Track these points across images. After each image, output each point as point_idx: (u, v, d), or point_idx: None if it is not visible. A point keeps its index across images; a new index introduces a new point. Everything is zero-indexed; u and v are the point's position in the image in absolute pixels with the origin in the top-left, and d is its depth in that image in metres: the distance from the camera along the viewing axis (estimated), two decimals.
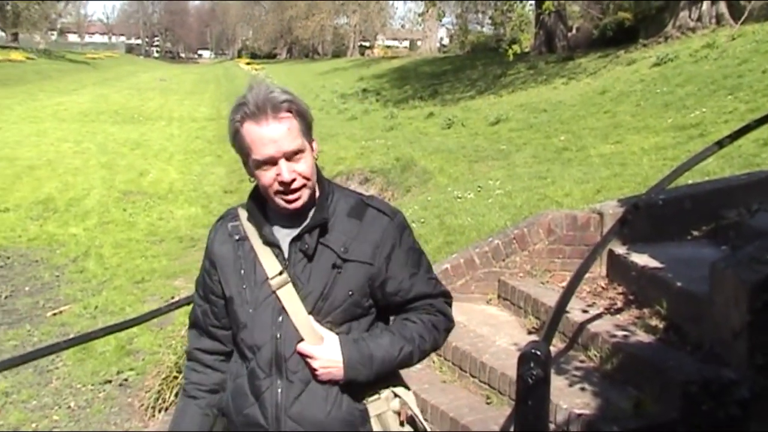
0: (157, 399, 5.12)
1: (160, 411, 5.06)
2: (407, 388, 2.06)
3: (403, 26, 78.94)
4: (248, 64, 59.39)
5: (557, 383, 3.54)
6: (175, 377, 4.98)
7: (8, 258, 8.95)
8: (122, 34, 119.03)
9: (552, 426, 3.35)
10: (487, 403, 3.94)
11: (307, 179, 1.91)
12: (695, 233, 5.04)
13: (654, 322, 4.08)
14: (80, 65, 49.88)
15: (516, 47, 16.54)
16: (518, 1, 19.66)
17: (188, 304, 2.43)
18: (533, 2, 21.17)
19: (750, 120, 5.36)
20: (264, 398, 1.92)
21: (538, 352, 2.34)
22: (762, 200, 4.90)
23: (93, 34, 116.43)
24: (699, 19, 16.28)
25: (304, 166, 1.90)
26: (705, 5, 16.21)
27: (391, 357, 1.94)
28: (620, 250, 4.84)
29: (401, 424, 2.00)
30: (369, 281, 1.96)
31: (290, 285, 1.92)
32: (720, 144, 4.41)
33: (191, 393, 2.11)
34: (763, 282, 3.31)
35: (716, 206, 5.03)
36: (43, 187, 12.65)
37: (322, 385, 1.91)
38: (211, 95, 32.34)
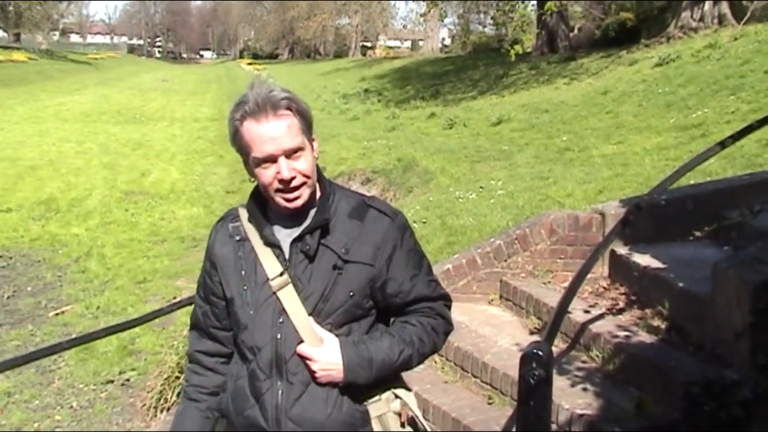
0: (159, 399, 5.12)
1: (162, 411, 5.07)
2: (408, 389, 2.06)
3: (404, 26, 79.07)
4: (250, 64, 59.42)
5: (559, 384, 3.54)
6: (177, 377, 4.98)
7: (10, 258, 8.96)
8: (124, 35, 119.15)
9: (554, 426, 3.35)
10: (489, 404, 3.94)
11: (307, 177, 1.90)
12: (697, 234, 5.04)
13: (656, 322, 4.07)
14: (82, 65, 49.91)
15: (518, 47, 16.55)
16: (520, 2, 19.65)
17: (190, 304, 2.43)
18: (535, 2, 21.15)
19: (752, 120, 5.36)
20: (264, 400, 1.92)
21: (540, 353, 2.33)
22: (764, 200, 4.90)
23: (95, 34, 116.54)
24: (701, 19, 16.27)
25: (304, 164, 1.89)
26: (707, 5, 16.19)
27: (390, 360, 1.94)
28: (622, 250, 4.84)
29: (402, 425, 2.00)
30: (370, 282, 1.95)
31: (291, 286, 1.92)
32: (722, 144, 4.41)
33: (192, 396, 2.11)
34: (766, 282, 3.31)
35: (718, 207, 5.03)
36: (45, 187, 12.66)
37: (323, 387, 1.91)
38: (213, 95, 32.34)
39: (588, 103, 13.14)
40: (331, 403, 1.91)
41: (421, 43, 54.96)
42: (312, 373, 1.90)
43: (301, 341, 1.90)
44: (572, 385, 3.70)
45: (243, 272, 1.97)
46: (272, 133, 1.85)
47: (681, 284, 4.10)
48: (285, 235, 1.96)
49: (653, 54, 15.23)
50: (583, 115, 12.26)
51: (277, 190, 1.89)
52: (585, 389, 3.65)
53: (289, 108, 1.88)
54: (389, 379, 1.99)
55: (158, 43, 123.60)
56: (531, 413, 2.35)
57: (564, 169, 8.15)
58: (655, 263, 4.48)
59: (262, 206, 2.00)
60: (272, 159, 1.87)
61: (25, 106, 24.88)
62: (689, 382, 3.28)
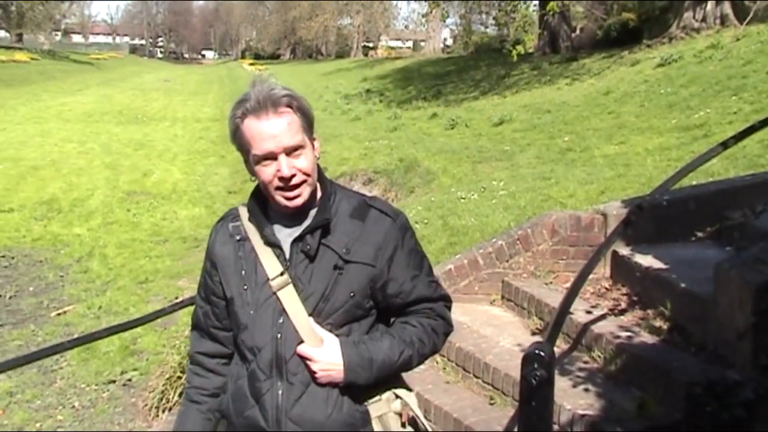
0: (161, 399, 5.13)
1: (163, 411, 5.07)
2: (409, 389, 2.05)
3: (406, 27, 78.93)
4: (252, 64, 59.46)
5: (561, 384, 3.54)
6: (179, 377, 4.98)
7: (13, 258, 8.98)
8: (126, 35, 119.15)
9: (556, 427, 3.35)
10: (491, 404, 3.94)
11: (307, 175, 1.90)
12: (699, 234, 5.03)
13: (658, 323, 4.07)
14: (84, 66, 49.96)
15: (520, 48, 16.55)
16: (522, 2, 19.64)
17: (192, 304, 2.43)
18: (537, 3, 21.15)
19: (755, 121, 5.35)
20: (264, 400, 1.92)
21: (542, 353, 2.33)
22: (767, 201, 4.89)
23: (97, 34, 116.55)
24: (703, 19, 16.25)
25: (304, 162, 1.89)
26: (709, 6, 16.17)
27: (391, 360, 1.93)
28: (624, 251, 4.84)
29: (403, 425, 1.99)
30: (370, 283, 1.95)
31: (291, 286, 1.91)
32: (724, 145, 4.40)
33: (193, 398, 2.11)
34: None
35: (721, 207, 5.02)
36: (47, 187, 12.67)
37: (323, 387, 1.91)
38: (214, 96, 32.37)
39: (590, 103, 13.14)
40: (332, 403, 1.91)
41: (422, 43, 54.93)
42: (312, 373, 1.89)
43: (302, 341, 1.89)
44: (574, 386, 3.69)
45: (243, 272, 1.97)
46: (272, 130, 1.85)
47: (683, 285, 4.09)
48: (285, 235, 1.96)
49: (655, 54, 15.22)
50: (585, 115, 12.25)
51: (277, 188, 1.89)
52: (587, 390, 3.64)
53: (289, 105, 1.88)
54: (390, 379, 1.99)
55: (160, 44, 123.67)
56: (533, 414, 2.35)
57: (566, 170, 8.15)
58: (657, 264, 4.48)
59: (263, 205, 2.00)
60: (272, 156, 1.86)
61: (28, 106, 24.93)
62: (691, 383, 3.28)
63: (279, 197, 1.90)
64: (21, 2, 55.82)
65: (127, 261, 8.92)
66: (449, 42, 55.01)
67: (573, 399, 3.51)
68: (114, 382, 5.73)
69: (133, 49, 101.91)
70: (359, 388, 1.93)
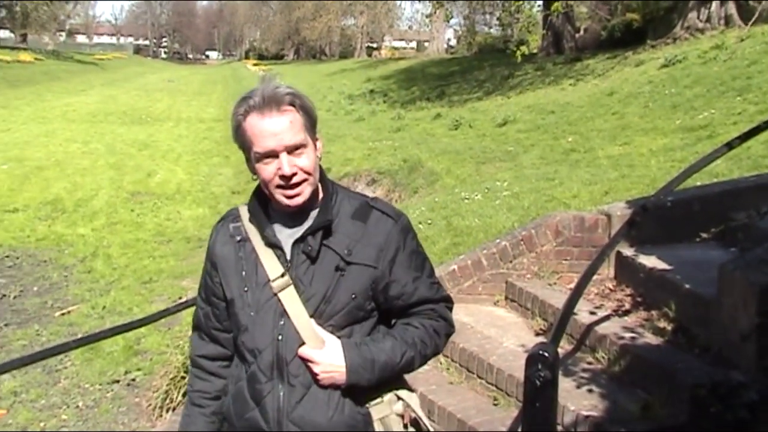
0: (165, 399, 5.13)
1: (167, 411, 5.08)
2: (411, 390, 2.05)
3: (410, 27, 79.04)
4: (256, 65, 59.58)
5: (564, 385, 3.54)
6: (183, 377, 4.99)
7: (17, 258, 8.99)
8: (130, 35, 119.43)
9: (559, 428, 3.34)
10: (494, 405, 3.94)
11: (309, 174, 1.89)
12: (704, 235, 5.02)
13: (662, 324, 4.07)
14: (88, 66, 50.07)
15: (524, 48, 16.51)
16: (526, 2, 19.63)
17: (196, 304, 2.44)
18: (541, 3, 21.14)
19: (759, 121, 5.34)
20: (265, 402, 1.91)
21: (546, 354, 2.33)
22: None
23: (101, 35, 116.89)
24: (708, 20, 16.23)
25: (306, 161, 1.88)
26: (714, 6, 16.15)
27: (393, 362, 1.93)
28: (628, 251, 4.83)
29: (405, 426, 1.99)
30: (372, 284, 1.94)
31: (292, 287, 1.90)
32: (729, 145, 4.40)
33: (196, 401, 2.10)
34: None
35: (725, 208, 5.01)
36: (51, 187, 12.70)
37: (324, 390, 1.90)
38: (218, 96, 32.41)
39: (594, 104, 13.12)
40: (333, 405, 1.90)
41: (426, 43, 54.96)
42: (314, 375, 1.89)
43: (303, 343, 1.89)
44: (578, 387, 3.69)
45: (244, 273, 1.96)
46: (274, 128, 1.84)
47: (687, 286, 4.09)
48: (287, 236, 1.95)
49: (659, 55, 15.19)
50: (589, 116, 12.24)
51: (278, 186, 1.88)
52: (591, 391, 3.64)
53: (292, 104, 1.87)
54: (391, 380, 1.98)
55: (164, 44, 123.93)
56: (536, 414, 2.35)
57: (570, 171, 8.13)
58: (662, 265, 4.47)
59: (264, 205, 1.99)
60: (274, 154, 1.86)
61: (32, 106, 25.00)
62: (695, 384, 3.27)
63: (279, 196, 1.90)
64: (25, 2, 55.93)
65: (131, 261, 8.93)
66: (453, 42, 55.06)
67: (577, 400, 3.51)
68: (118, 382, 5.73)
69: (137, 50, 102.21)
70: (361, 390, 1.92)
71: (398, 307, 2.01)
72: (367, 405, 1.95)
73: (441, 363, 4.45)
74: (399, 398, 1.99)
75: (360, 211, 1.98)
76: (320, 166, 1.96)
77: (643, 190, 6.21)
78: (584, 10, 24.59)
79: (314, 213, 1.95)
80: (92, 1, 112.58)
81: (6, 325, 6.84)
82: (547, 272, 5.11)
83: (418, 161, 10.77)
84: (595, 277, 4.06)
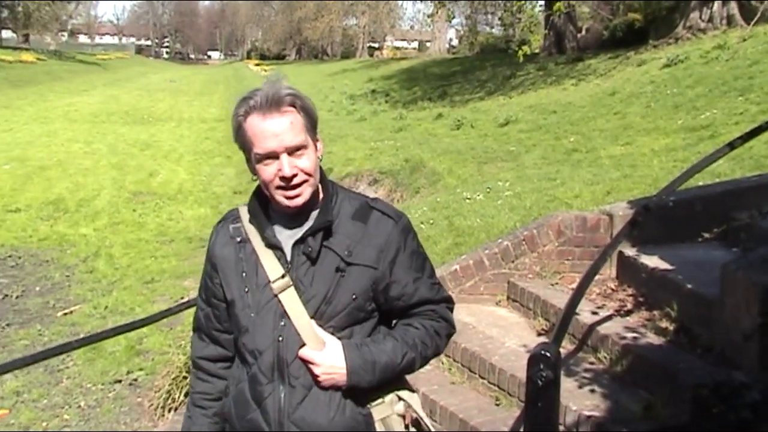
0: (167, 399, 5.13)
1: (169, 411, 5.08)
2: (412, 390, 2.05)
3: (412, 27, 78.96)
4: (257, 65, 59.59)
5: (567, 385, 3.54)
6: (185, 377, 4.99)
7: (19, 258, 9.00)
8: (132, 35, 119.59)
9: (561, 428, 3.34)
10: (497, 405, 3.94)
11: (309, 175, 1.88)
12: (706, 235, 5.02)
13: (664, 324, 4.06)
14: (90, 66, 50.12)
15: (526, 48, 16.49)
16: (528, 2, 19.61)
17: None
18: (543, 3, 21.12)
19: (761, 121, 5.34)
20: (266, 404, 1.91)
21: (548, 354, 2.33)
22: None
23: (103, 35, 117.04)
24: (710, 20, 16.21)
25: (306, 162, 1.87)
26: (716, 6, 16.13)
27: (393, 363, 1.93)
28: (630, 251, 4.83)
29: (406, 427, 1.99)
30: (372, 285, 1.94)
31: (292, 288, 1.90)
32: (731, 145, 4.39)
33: (198, 403, 2.10)
34: None
35: (727, 208, 5.01)
36: (53, 187, 12.71)
37: (325, 391, 1.90)
38: (220, 96, 32.43)
39: (596, 104, 13.11)
40: (334, 406, 1.90)
41: (428, 43, 54.93)
42: (315, 377, 1.89)
43: (303, 345, 1.88)
44: (580, 387, 3.69)
45: (244, 274, 1.96)
46: (275, 128, 1.84)
47: (689, 286, 4.08)
48: (287, 237, 1.94)
49: (661, 55, 15.18)
50: (591, 116, 12.23)
51: (278, 187, 1.88)
52: (593, 391, 3.64)
53: (293, 105, 1.87)
54: (392, 381, 1.98)
55: (166, 44, 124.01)
56: (538, 414, 2.35)
57: (572, 170, 8.13)
58: (664, 265, 4.47)
59: (264, 206, 1.99)
60: (274, 155, 1.85)
61: (34, 106, 25.03)
62: (698, 385, 3.27)
63: (280, 197, 1.89)
64: (28, 3, 56.01)
65: (133, 261, 8.94)
66: (455, 42, 55.06)
67: (579, 400, 3.50)
68: (120, 381, 5.74)
69: (139, 50, 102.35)
70: (362, 391, 1.92)
71: (399, 308, 2.01)
72: (369, 405, 1.95)
73: (443, 363, 4.45)
74: (400, 399, 1.99)
75: (360, 211, 1.97)
76: (320, 167, 1.96)
77: (645, 190, 6.20)
78: (586, 9, 24.55)
79: (314, 214, 1.95)
80: (94, 1, 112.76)
81: (8, 325, 6.85)
82: (549, 272, 5.11)
83: (420, 161, 10.77)
84: (597, 277, 4.05)
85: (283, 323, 1.90)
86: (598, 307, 4.44)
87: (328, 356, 1.87)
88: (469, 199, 7.43)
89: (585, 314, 4.25)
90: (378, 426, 1.95)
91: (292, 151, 1.86)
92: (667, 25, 17.49)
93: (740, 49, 13.14)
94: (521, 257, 5.14)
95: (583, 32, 24.68)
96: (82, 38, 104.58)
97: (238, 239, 1.99)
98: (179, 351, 5.44)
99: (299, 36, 69.04)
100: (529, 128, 12.62)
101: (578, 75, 16.86)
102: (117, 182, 13.32)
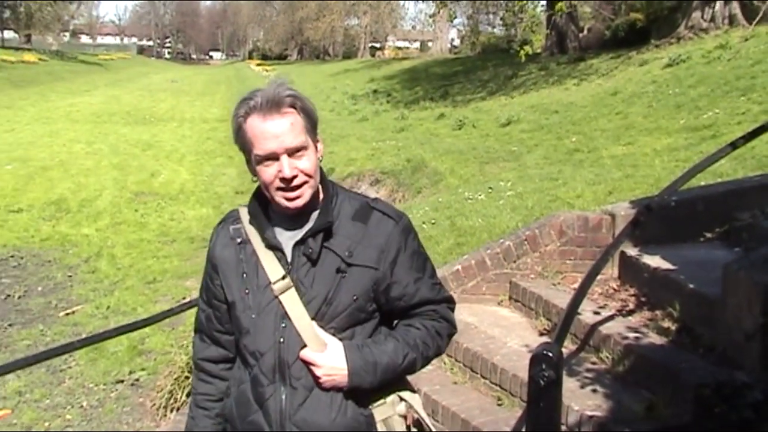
0: (169, 399, 5.14)
1: (171, 411, 5.08)
2: (413, 391, 2.05)
3: (413, 27, 78.85)
4: (259, 65, 59.61)
5: (569, 385, 3.53)
6: (187, 377, 4.99)
7: (21, 258, 9.01)
8: (134, 36, 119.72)
9: (563, 428, 3.34)
10: (499, 405, 3.94)
11: (309, 176, 1.88)
12: (708, 235, 5.02)
13: (666, 324, 4.06)
14: (92, 66, 50.17)
15: (527, 48, 16.49)
16: (530, 2, 19.60)
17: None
18: (545, 3, 21.11)
19: (764, 121, 5.34)
20: (268, 405, 1.91)
21: (550, 354, 2.33)
22: None
23: (105, 35, 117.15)
24: (712, 19, 16.20)
25: (306, 163, 1.87)
26: (718, 6, 16.12)
27: (395, 364, 1.92)
28: (632, 251, 4.82)
29: (408, 427, 1.99)
30: (373, 286, 1.93)
31: (293, 290, 1.90)
32: (733, 145, 4.39)
33: (201, 404, 2.10)
34: None
35: (729, 208, 5.00)
36: (55, 187, 12.72)
37: (327, 392, 1.90)
38: (222, 96, 32.44)
39: (598, 104, 13.11)
40: (336, 407, 1.90)
41: (430, 43, 54.93)
42: (316, 378, 1.88)
43: (305, 346, 1.88)
44: (582, 387, 3.69)
45: (244, 275, 1.95)
46: (275, 130, 1.83)
47: (691, 286, 4.08)
48: (287, 238, 1.94)
49: (663, 55, 15.17)
50: (593, 116, 12.22)
51: (279, 189, 1.87)
52: (595, 391, 3.64)
53: (293, 106, 1.86)
54: (394, 381, 1.98)
55: (168, 44, 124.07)
56: (540, 414, 2.35)
57: (573, 170, 8.13)
58: (666, 264, 4.47)
59: (264, 207, 1.98)
60: (274, 157, 1.85)
61: (36, 106, 25.06)
62: (700, 384, 3.27)
63: (280, 198, 1.89)
64: (29, 3, 56.06)
65: (135, 261, 8.94)
66: (456, 42, 54.95)
67: (581, 400, 3.50)
68: (122, 381, 5.74)
69: (141, 50, 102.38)
70: (363, 392, 1.92)
71: (400, 309, 2.00)
72: (370, 406, 1.95)
73: (445, 363, 4.45)
74: (402, 399, 1.99)
75: (360, 212, 1.97)
76: (320, 168, 1.96)
77: (647, 189, 6.20)
78: (588, 9, 24.53)
79: (315, 215, 1.94)
80: (96, 2, 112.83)
81: (10, 325, 6.86)
82: (551, 272, 5.11)
83: (422, 161, 10.78)
84: (599, 277, 4.05)
85: (284, 325, 1.90)
86: (600, 307, 4.44)
87: (329, 357, 1.87)
88: (470, 199, 7.43)
89: (587, 314, 4.25)
90: (379, 427, 1.95)
91: (292, 153, 1.85)
92: (669, 25, 17.48)
93: (742, 49, 13.13)
94: (523, 257, 5.14)
95: (585, 32, 24.66)
96: (84, 38, 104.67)
97: (239, 240, 1.99)
98: (181, 351, 5.45)
99: (301, 36, 69.00)
100: (531, 128, 12.62)
101: (580, 75, 16.85)
102: (119, 182, 13.34)
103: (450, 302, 2.10)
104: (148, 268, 8.64)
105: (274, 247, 1.93)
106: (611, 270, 4.92)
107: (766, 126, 4.54)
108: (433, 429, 2.02)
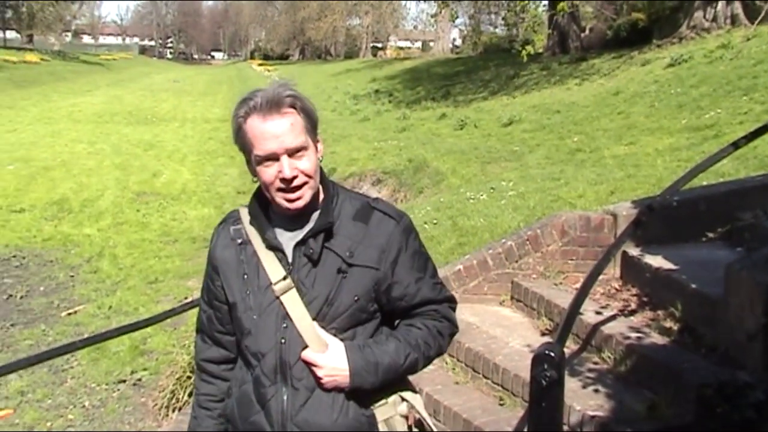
0: (171, 399, 5.14)
1: (173, 411, 5.09)
2: (415, 391, 2.04)
3: (415, 27, 78.87)
4: (261, 65, 59.63)
5: (571, 385, 3.53)
6: (189, 377, 5.00)
7: (23, 258, 9.02)
8: (136, 36, 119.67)
9: (565, 428, 3.34)
10: (500, 405, 3.94)
11: (309, 177, 1.87)
12: (710, 235, 5.01)
13: (668, 324, 4.06)
14: (94, 66, 50.21)
15: (529, 48, 16.50)
16: (531, 2, 19.59)
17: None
18: (546, 3, 21.11)
19: (766, 121, 5.33)
20: (269, 406, 1.90)
21: (552, 354, 2.33)
22: None
23: (107, 35, 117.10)
24: (714, 19, 16.18)
25: (307, 163, 1.86)
26: (720, 5, 16.09)
27: (396, 364, 1.92)
28: (634, 251, 4.82)
29: (409, 428, 1.98)
30: (375, 286, 1.93)
31: (294, 290, 1.89)
32: (735, 145, 4.38)
33: (203, 405, 2.10)
34: None
35: (731, 208, 5.00)
36: (57, 187, 12.74)
37: (328, 392, 1.89)
38: (224, 96, 32.46)
39: (599, 103, 13.10)
40: (337, 408, 1.90)
41: (431, 43, 54.90)
42: (317, 379, 1.88)
43: (306, 346, 1.88)
44: (584, 387, 3.69)
45: (245, 276, 1.95)
46: (275, 130, 1.83)
47: (693, 286, 4.08)
48: (288, 238, 1.93)
49: (665, 54, 15.16)
50: (595, 115, 12.22)
51: (279, 189, 1.87)
52: (597, 391, 3.63)
53: (293, 106, 1.86)
54: (395, 382, 1.97)
55: (169, 44, 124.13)
56: (542, 414, 2.34)
57: (575, 170, 8.12)
58: (668, 264, 4.47)
59: (265, 208, 1.98)
60: (274, 157, 1.84)
61: (38, 107, 25.09)
62: (702, 384, 3.26)
63: (280, 199, 1.88)
64: (31, 3, 56.13)
65: (137, 261, 8.96)
66: (458, 42, 54.92)
67: (583, 400, 3.50)
68: (124, 381, 5.75)
69: (143, 50, 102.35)
70: (365, 392, 1.92)
71: (401, 309, 2.00)
72: (372, 407, 1.95)
73: (447, 363, 4.45)
74: (403, 399, 1.99)
75: (361, 212, 1.96)
76: (321, 168, 1.95)
77: (649, 189, 6.20)
78: (590, 9, 24.55)
79: (315, 215, 1.94)
80: (98, 2, 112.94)
81: (12, 325, 6.87)
82: (552, 272, 5.11)
83: (424, 161, 10.78)
84: (601, 277, 4.05)
85: (285, 325, 1.89)
86: (602, 307, 4.43)
87: (330, 358, 1.87)
88: (472, 199, 7.43)
89: (589, 314, 4.25)
90: (381, 427, 1.95)
91: (292, 153, 1.85)
92: (671, 25, 17.47)
93: (744, 49, 13.12)
94: (525, 257, 5.14)
95: (587, 32, 24.65)
96: (86, 39, 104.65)
97: (239, 241, 1.98)
98: (183, 351, 5.46)
99: (302, 36, 69.02)
100: (533, 128, 12.62)
101: (582, 75, 16.84)
102: (121, 182, 13.35)
103: (451, 302, 2.09)
104: (150, 268, 8.65)
105: (275, 248, 1.93)
106: (613, 270, 4.92)
107: None
108: (435, 429, 2.02)
